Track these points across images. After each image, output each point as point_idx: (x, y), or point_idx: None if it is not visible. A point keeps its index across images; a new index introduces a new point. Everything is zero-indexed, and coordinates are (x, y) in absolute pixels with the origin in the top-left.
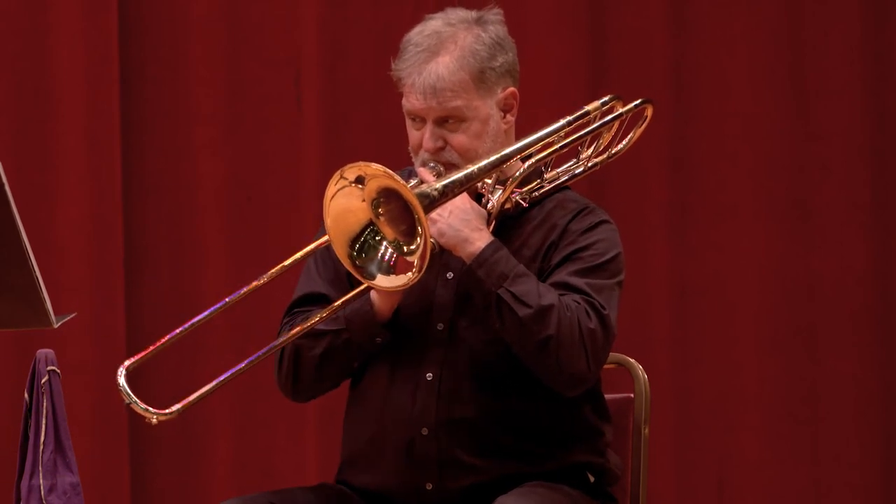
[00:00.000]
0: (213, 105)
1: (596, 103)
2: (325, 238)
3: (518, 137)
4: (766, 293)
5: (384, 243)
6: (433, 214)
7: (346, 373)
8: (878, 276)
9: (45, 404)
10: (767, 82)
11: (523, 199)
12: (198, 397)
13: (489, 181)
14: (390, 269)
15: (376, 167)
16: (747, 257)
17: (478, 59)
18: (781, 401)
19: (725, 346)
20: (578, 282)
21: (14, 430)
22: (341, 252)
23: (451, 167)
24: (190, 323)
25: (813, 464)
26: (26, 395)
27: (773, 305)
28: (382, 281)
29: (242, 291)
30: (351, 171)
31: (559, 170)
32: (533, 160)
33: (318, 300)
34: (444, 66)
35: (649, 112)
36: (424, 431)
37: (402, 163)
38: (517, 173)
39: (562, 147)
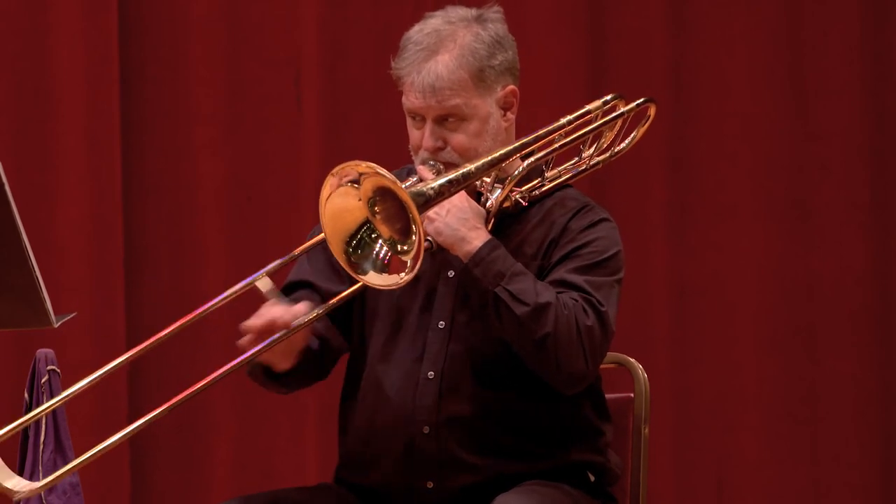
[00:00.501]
0: (213, 105)
1: (597, 102)
2: (320, 237)
3: (518, 137)
4: (766, 293)
5: (379, 241)
6: (430, 213)
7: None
8: (877, 276)
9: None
10: (767, 82)
11: (523, 198)
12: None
13: (488, 180)
14: (384, 268)
15: (368, 166)
16: (747, 257)
17: (477, 58)
18: (781, 401)
19: (725, 346)
20: (577, 279)
21: None
22: (337, 249)
23: (450, 166)
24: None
25: (812, 464)
26: (26, 395)
27: (773, 305)
28: (375, 279)
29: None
30: (345, 171)
31: (560, 168)
32: (532, 159)
33: (304, 287)
34: (443, 65)
35: (652, 111)
36: (425, 430)
37: (402, 162)
38: (516, 172)
39: (562, 146)
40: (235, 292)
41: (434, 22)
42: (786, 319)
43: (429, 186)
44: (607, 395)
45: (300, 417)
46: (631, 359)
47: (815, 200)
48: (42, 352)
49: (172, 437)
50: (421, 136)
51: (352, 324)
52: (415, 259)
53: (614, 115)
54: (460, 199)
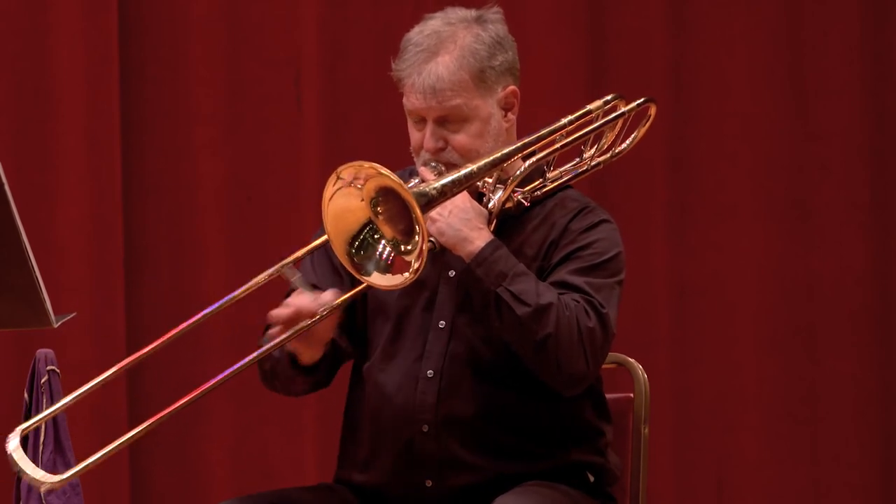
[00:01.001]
0: (213, 105)
1: (598, 102)
2: (323, 238)
3: (519, 137)
4: (766, 293)
5: (382, 242)
6: (433, 213)
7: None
8: (877, 276)
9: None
10: (767, 82)
11: (525, 199)
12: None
13: (490, 180)
14: (388, 268)
15: (371, 166)
16: (746, 257)
17: (477, 59)
18: (780, 401)
19: (725, 346)
20: (578, 280)
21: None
22: (340, 250)
23: (452, 167)
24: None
25: (812, 464)
26: (26, 395)
27: (773, 305)
28: (378, 279)
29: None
30: (347, 172)
31: (562, 169)
32: (534, 159)
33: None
34: (443, 66)
35: (653, 111)
36: (424, 429)
37: (403, 163)
38: (518, 172)
39: (563, 146)
40: (259, 282)
41: (434, 23)
42: (786, 319)
43: (431, 187)
44: (607, 396)
45: (299, 418)
46: (631, 359)
47: (815, 200)
48: (42, 352)
49: (172, 437)
50: (422, 138)
51: (354, 325)
52: (418, 259)
53: (615, 115)
54: (463, 199)
